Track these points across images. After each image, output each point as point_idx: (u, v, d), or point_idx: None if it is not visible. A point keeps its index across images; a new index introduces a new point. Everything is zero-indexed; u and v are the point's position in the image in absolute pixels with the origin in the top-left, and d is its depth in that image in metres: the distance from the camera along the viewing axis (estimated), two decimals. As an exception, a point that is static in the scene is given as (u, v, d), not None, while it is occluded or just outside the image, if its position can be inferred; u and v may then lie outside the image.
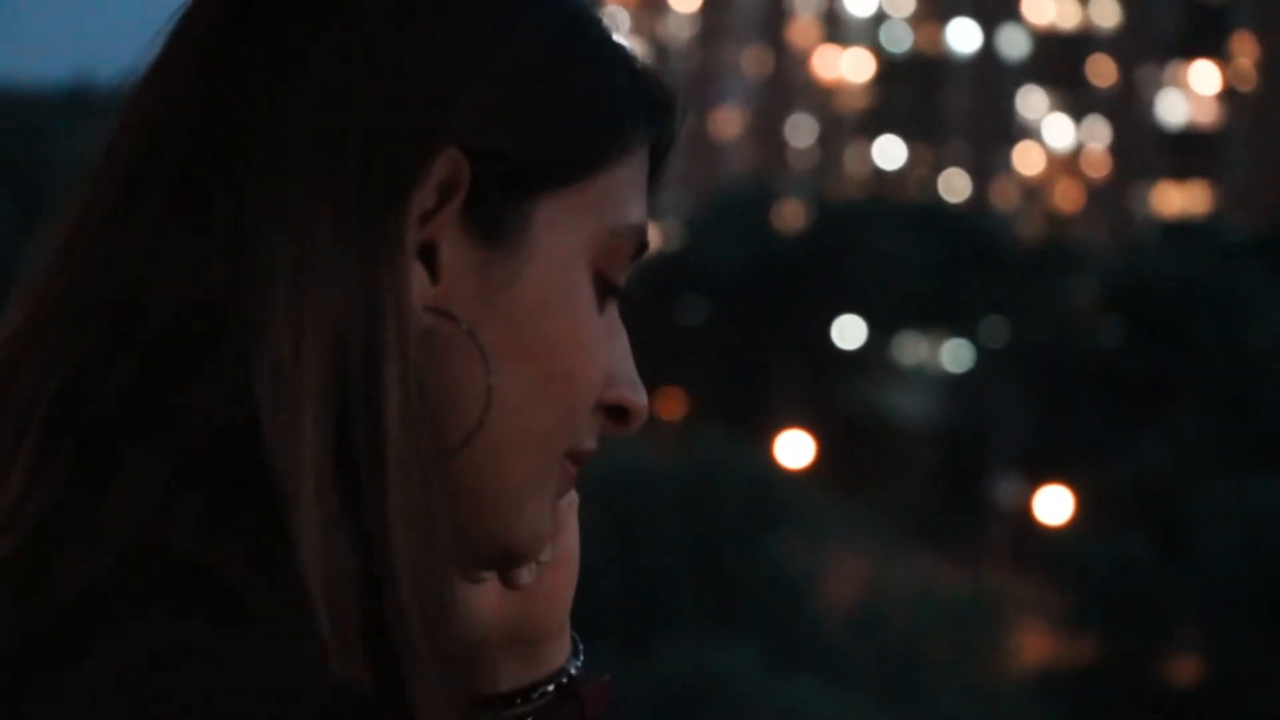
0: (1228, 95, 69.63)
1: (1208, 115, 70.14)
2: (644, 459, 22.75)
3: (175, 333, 0.98)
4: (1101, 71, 72.03)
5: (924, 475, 38.13)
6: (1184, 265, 36.90)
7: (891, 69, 75.79)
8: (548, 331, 1.03)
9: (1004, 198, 71.36)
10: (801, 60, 76.98)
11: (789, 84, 76.29)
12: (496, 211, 1.02)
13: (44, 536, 0.97)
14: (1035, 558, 31.95)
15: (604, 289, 1.06)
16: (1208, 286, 35.29)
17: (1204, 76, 69.91)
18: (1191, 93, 70.20)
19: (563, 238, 1.04)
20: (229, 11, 1.03)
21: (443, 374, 1.01)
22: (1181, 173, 68.99)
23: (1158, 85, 70.66)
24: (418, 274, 1.01)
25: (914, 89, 74.82)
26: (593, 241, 1.05)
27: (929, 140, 74.44)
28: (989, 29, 74.45)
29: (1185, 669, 27.27)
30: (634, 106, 1.07)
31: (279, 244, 0.98)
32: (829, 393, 40.36)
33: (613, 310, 1.07)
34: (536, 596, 1.12)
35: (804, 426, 37.27)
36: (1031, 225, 62.48)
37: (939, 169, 73.61)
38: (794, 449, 36.38)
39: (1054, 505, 33.93)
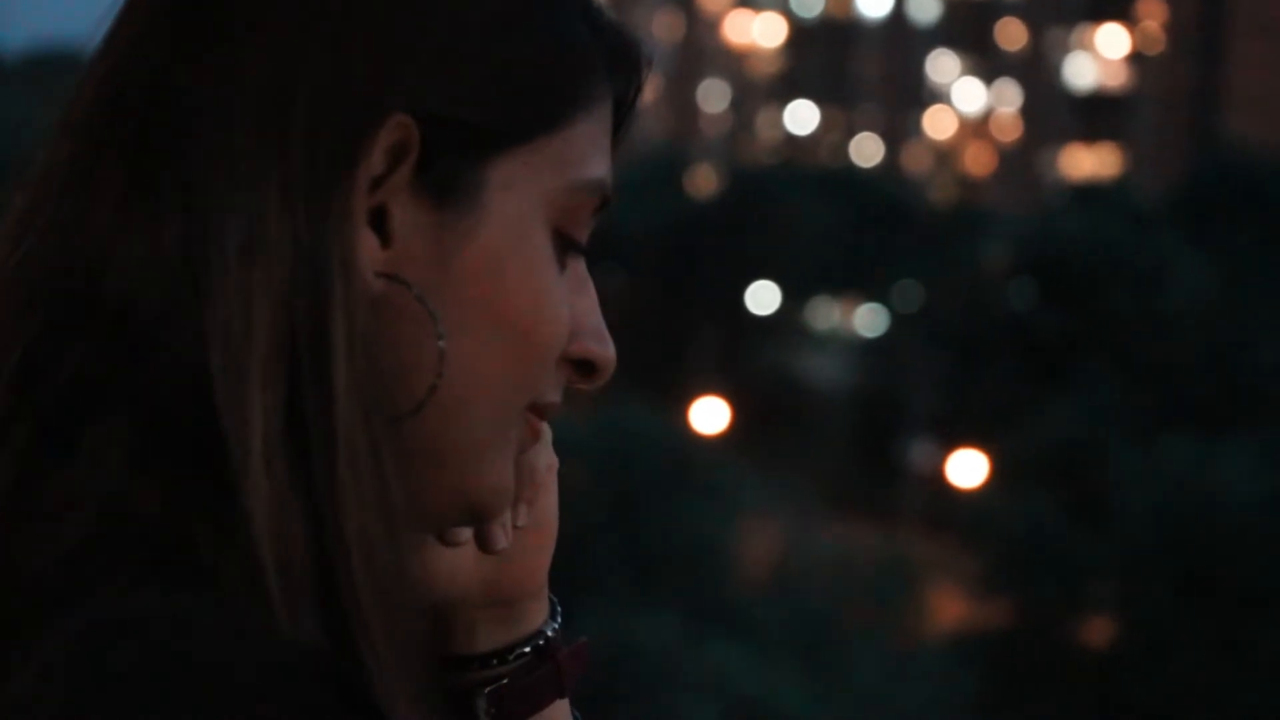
0: (1135, 58, 70.03)
1: (1116, 78, 70.53)
2: (559, 426, 22.69)
3: (131, 305, 0.99)
4: (1011, 35, 72.30)
5: (839, 440, 38.26)
6: (1094, 228, 37.11)
7: (803, 33, 75.86)
8: (503, 291, 1.03)
9: (915, 162, 71.58)
10: (713, 25, 76.95)
11: (701, 49, 76.24)
12: (449, 174, 1.02)
13: (6, 510, 0.97)
14: (950, 521, 32.10)
15: (565, 245, 1.06)
16: (1118, 249, 35.52)
17: (1112, 40, 70.28)
18: (1100, 56, 70.58)
19: (519, 197, 1.03)
20: None
21: (395, 339, 1.01)
22: (1091, 136, 69.39)
23: (1066, 49, 71.00)
24: (368, 240, 1.01)
25: (825, 53, 74.91)
26: (551, 199, 1.04)
27: (840, 105, 74.57)
28: (899, -7, 74.58)
29: (1100, 631, 27.46)
30: (593, 62, 1.06)
31: (228, 214, 0.99)
32: (743, 359, 40.41)
33: (578, 265, 1.07)
34: (514, 558, 1.13)
35: (719, 393, 37.29)
36: (943, 189, 62.77)
37: (851, 133, 73.76)
38: (709, 415, 36.40)
39: (968, 469, 34.09)
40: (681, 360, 39.76)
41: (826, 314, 46.49)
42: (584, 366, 1.09)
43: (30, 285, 1.01)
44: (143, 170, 1.00)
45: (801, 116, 75.11)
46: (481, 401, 1.03)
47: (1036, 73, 71.21)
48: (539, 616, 1.16)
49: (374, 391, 0.99)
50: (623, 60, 1.08)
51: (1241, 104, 65.39)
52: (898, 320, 41.53)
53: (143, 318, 0.99)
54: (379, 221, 1.01)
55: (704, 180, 51.42)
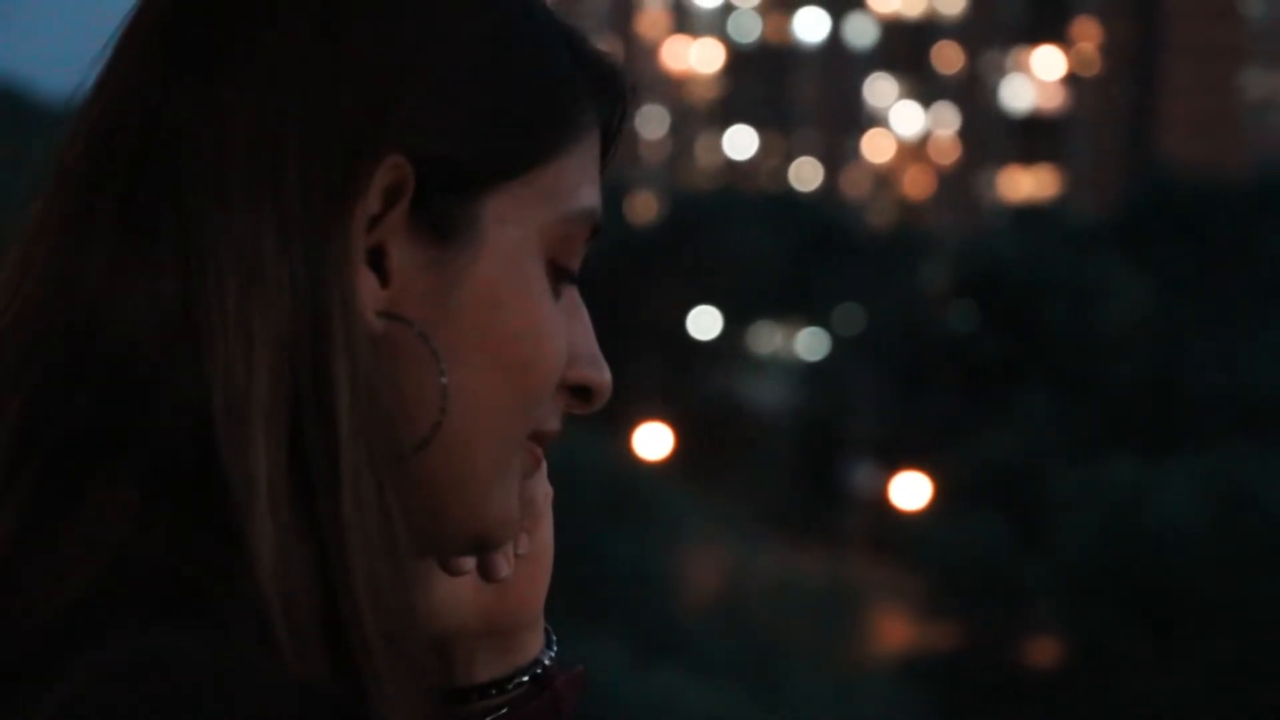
0: (1072, 80, 70.45)
1: (1053, 100, 70.94)
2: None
3: (131, 353, 0.99)
4: (947, 58, 72.66)
5: (782, 464, 38.30)
6: (1033, 250, 37.29)
7: (740, 59, 76.09)
8: (501, 324, 1.04)
9: (855, 186, 71.84)
10: (651, 51, 77.11)
11: (639, 75, 75.46)
12: (444, 212, 1.03)
13: (13, 559, 0.98)
14: (894, 544, 32.15)
15: (559, 274, 1.07)
16: (1056, 271, 35.69)
17: (1048, 62, 70.69)
18: (1036, 78, 70.97)
19: (512, 230, 1.04)
20: (167, 28, 1.03)
21: (398, 377, 1.02)
22: (1028, 158, 69.76)
23: (1002, 71, 71.38)
24: (367, 280, 1.01)
25: (763, 79, 75.14)
26: (544, 231, 1.06)
27: (779, 129, 74.80)
28: (836, 17, 74.91)
29: (1044, 651, 27.55)
30: (580, 92, 1.08)
31: (226, 260, 0.99)
32: (686, 384, 40.45)
33: (571, 292, 1.09)
34: (512, 588, 1.15)
35: (662, 418, 37.30)
36: (882, 213, 63.04)
37: (790, 158, 74.00)
38: (652, 441, 36.40)
39: (911, 491, 34.17)
40: (624, 386, 39.72)
41: (768, 338, 46.57)
42: (581, 393, 1.10)
43: (28, 336, 1.01)
44: (137, 216, 1.00)
45: (740, 142, 75.28)
46: (485, 433, 1.04)
47: (973, 95, 71.55)
48: (536, 645, 1.17)
49: (378, 431, 1.00)
50: (607, 89, 1.09)
51: (1177, 125, 65.84)
52: (839, 344, 41.63)
53: (143, 365, 0.99)
54: (376, 261, 1.02)
55: (644, 207, 51.48)
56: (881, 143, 73.40)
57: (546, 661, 1.17)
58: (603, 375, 1.11)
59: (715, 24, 76.51)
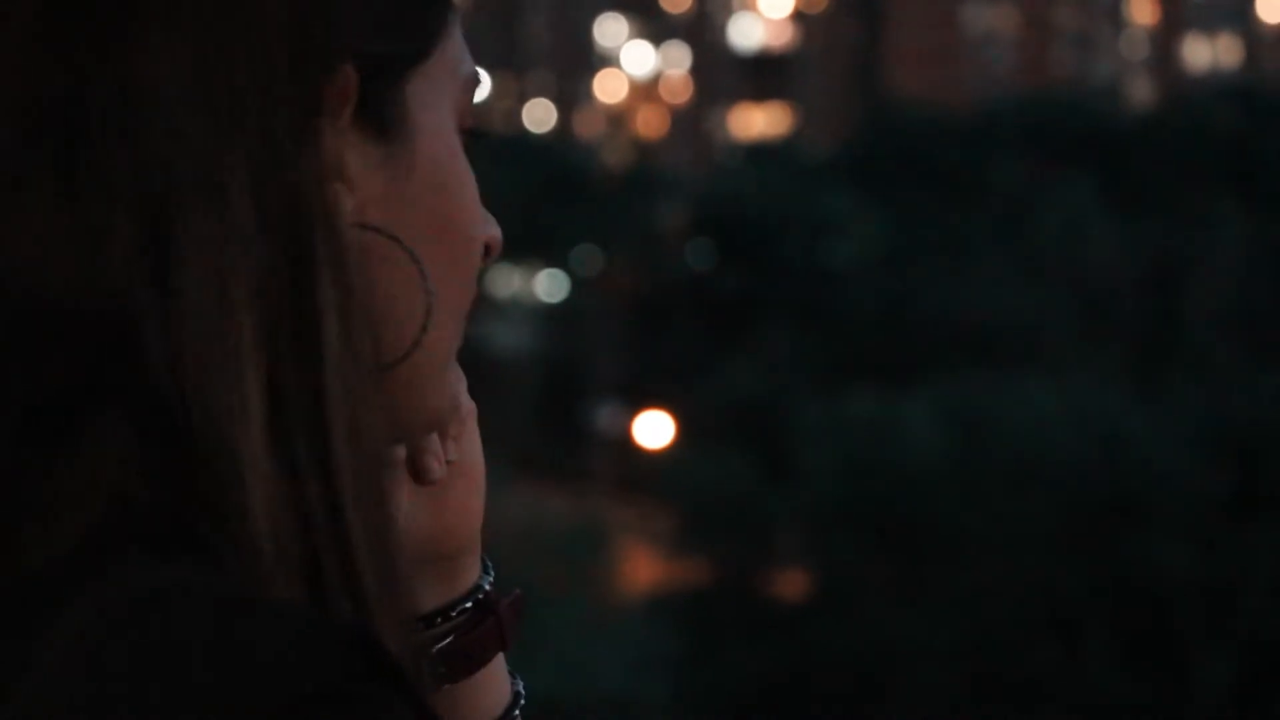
0: (799, 17, 71.18)
1: (781, 37, 71.63)
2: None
3: (104, 303, 0.96)
4: (676, -3, 72.96)
5: (525, 406, 38.36)
6: (766, 186, 37.70)
7: (471, 0, 75.73)
8: (447, 204, 1.06)
9: (588, 126, 71.95)
10: (379, -6, 76.47)
11: (367, 19, 75.70)
12: (382, 108, 1.04)
13: (3, 506, 0.95)
14: (639, 482, 32.37)
15: (463, 142, 1.10)
16: (790, 207, 36.12)
17: None
18: (764, 16, 71.61)
19: (435, 108, 1.07)
20: None
21: (377, 288, 1.01)
22: (759, 95, 70.39)
23: (730, 9, 71.89)
24: (340, 194, 1.01)
25: (494, 20, 74.90)
26: (454, 101, 1.09)
27: (511, 71, 74.62)
28: (565, -42, 74.82)
29: (792, 583, 27.95)
30: None
31: (190, 196, 0.96)
32: (426, 329, 40.35)
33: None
34: (448, 508, 1.14)
35: (403, 364, 37.18)
36: (616, 153, 63.20)
37: (523, 99, 73.88)
38: (394, 387, 36.29)
39: (654, 429, 34.41)
40: (363, 333, 39.54)
41: (506, 281, 46.54)
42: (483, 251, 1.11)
43: None
44: (82, 168, 0.96)
45: (472, 84, 75.00)
46: (449, 318, 1.06)
47: (703, 34, 71.99)
48: (475, 570, 1.15)
49: (364, 348, 0.98)
50: None
51: (903, 60, 66.85)
52: (578, 285, 41.76)
53: (116, 315, 0.96)
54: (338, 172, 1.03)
55: (378, 151, 51.04)
56: (613, 83, 73.57)
57: (486, 586, 1.16)
58: (498, 231, 1.11)
59: (443, -35, 76.13)
